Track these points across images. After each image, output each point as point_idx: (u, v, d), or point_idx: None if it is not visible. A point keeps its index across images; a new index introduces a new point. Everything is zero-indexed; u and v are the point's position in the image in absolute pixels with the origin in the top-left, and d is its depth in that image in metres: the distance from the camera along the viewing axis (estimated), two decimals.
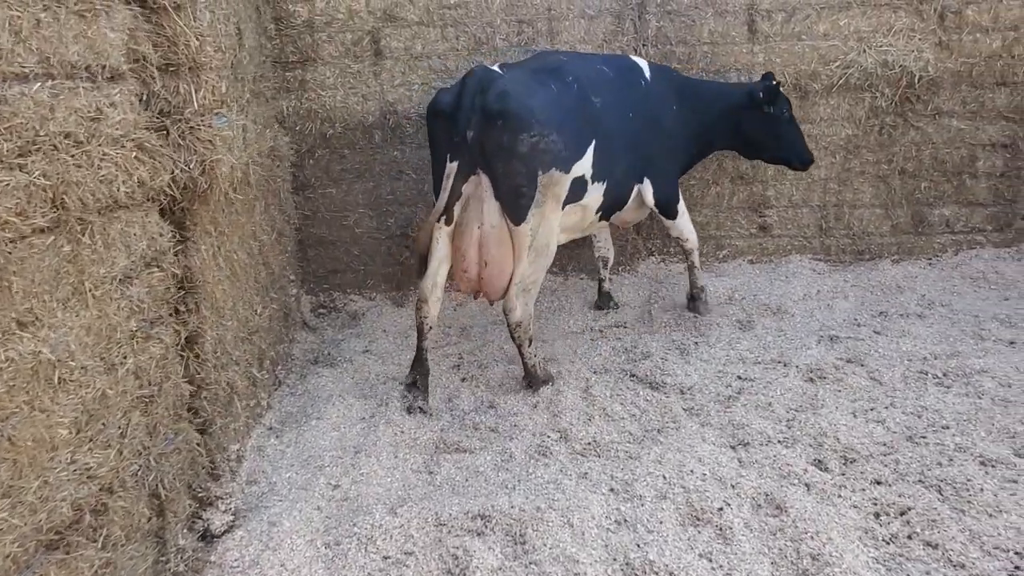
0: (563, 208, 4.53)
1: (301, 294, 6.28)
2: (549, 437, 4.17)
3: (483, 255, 4.50)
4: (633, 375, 4.91)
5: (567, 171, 4.37)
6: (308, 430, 4.23)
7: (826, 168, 6.59)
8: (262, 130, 4.46)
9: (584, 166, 4.55)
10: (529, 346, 4.70)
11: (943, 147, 6.48)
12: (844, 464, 3.78)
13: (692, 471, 3.73)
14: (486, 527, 3.37)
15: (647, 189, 5.31)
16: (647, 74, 5.30)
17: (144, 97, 2.95)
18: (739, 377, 4.78)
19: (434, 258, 4.49)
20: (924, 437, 3.96)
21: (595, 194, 4.77)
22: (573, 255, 6.78)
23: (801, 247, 6.80)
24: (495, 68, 4.43)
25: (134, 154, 2.69)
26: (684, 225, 5.64)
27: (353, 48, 6.05)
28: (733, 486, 3.59)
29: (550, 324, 5.89)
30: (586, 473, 3.79)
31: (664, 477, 3.70)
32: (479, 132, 4.15)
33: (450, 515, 3.40)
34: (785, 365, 4.91)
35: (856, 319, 5.66)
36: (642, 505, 3.51)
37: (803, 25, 6.30)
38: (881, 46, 6.26)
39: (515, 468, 3.87)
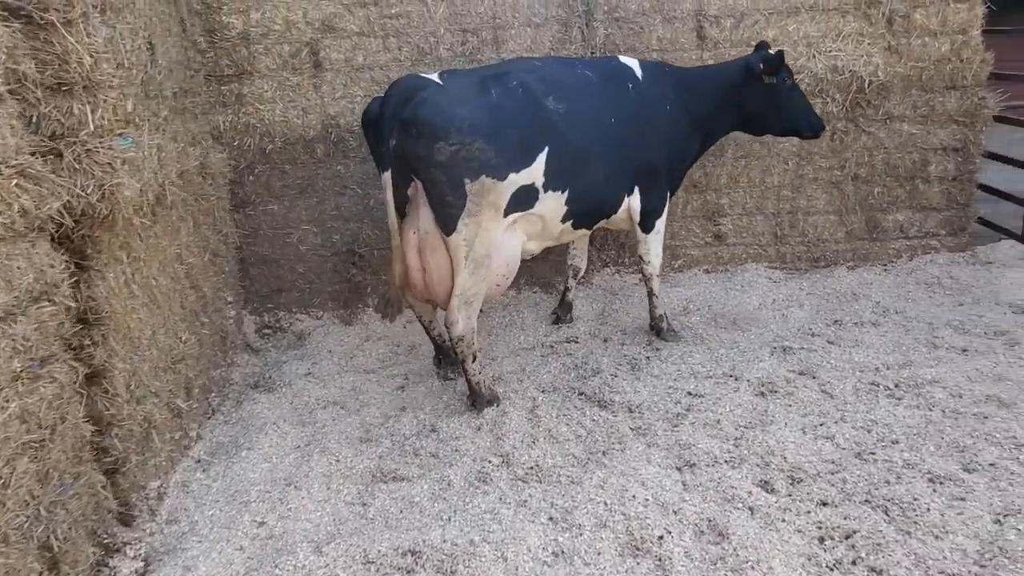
0: (506, 217, 4.39)
1: (243, 315, 6.08)
2: (490, 462, 4.01)
3: (423, 261, 4.44)
4: (582, 393, 4.77)
5: (501, 179, 4.23)
6: (238, 462, 4.03)
7: (779, 175, 6.52)
8: (184, 148, 4.26)
9: (532, 174, 4.39)
10: (473, 362, 4.55)
11: (895, 152, 6.44)
12: (790, 484, 3.66)
13: (635, 496, 3.59)
14: (416, 563, 3.20)
15: (635, 199, 5.12)
16: (638, 75, 5.05)
17: (32, 119, 2.75)
18: (689, 393, 4.66)
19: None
20: (873, 453, 3.86)
21: (552, 203, 4.59)
22: (526, 268, 6.63)
23: (756, 255, 6.72)
24: (429, 76, 4.29)
25: (15, 182, 2.49)
26: (655, 245, 5.35)
27: (291, 60, 5.87)
28: (675, 512, 3.46)
29: (500, 340, 5.74)
30: (526, 501, 3.64)
31: (605, 504, 3.56)
32: (399, 141, 4.11)
33: (379, 552, 3.23)
34: (736, 379, 4.80)
35: (810, 328, 5.57)
36: (581, 535, 3.36)
37: (752, 31, 6.23)
38: (830, 51, 6.21)
39: (452, 497, 3.70)
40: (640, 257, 5.44)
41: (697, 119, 5.25)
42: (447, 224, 4.20)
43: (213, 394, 4.70)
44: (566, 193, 4.61)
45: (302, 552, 3.22)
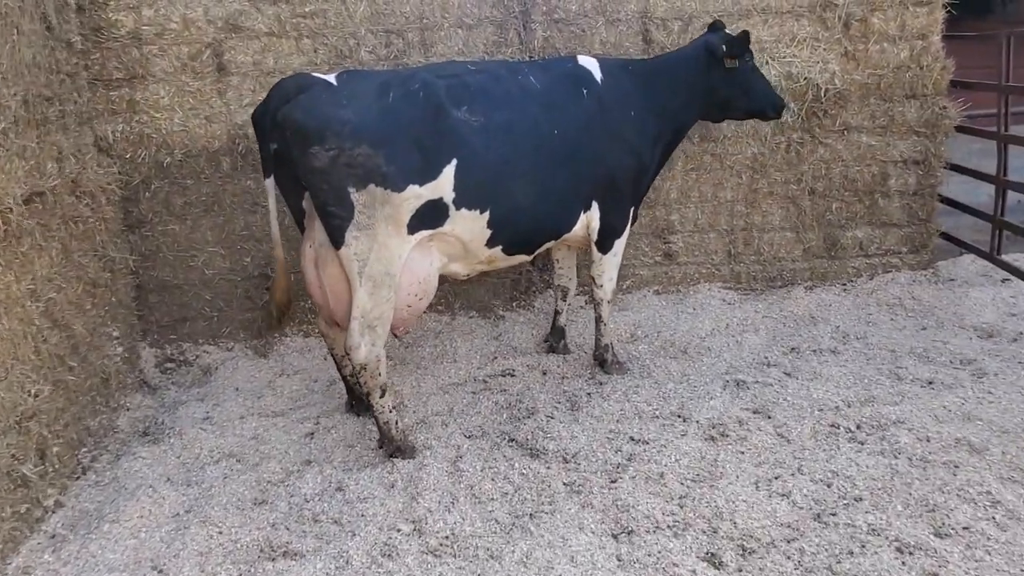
0: (411, 234, 3.87)
1: (141, 348, 5.42)
2: (399, 531, 3.45)
3: (320, 276, 3.99)
4: (512, 440, 4.24)
5: (397, 190, 3.71)
6: (97, 539, 3.40)
7: (732, 189, 6.07)
8: (37, 165, 3.64)
9: (438, 188, 3.87)
10: (381, 397, 4.01)
11: (853, 164, 6.04)
12: (741, 556, 3.17)
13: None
14: None
15: (594, 216, 4.59)
16: (597, 77, 4.50)
17: None
18: (632, 439, 4.15)
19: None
20: (834, 514, 3.39)
21: (468, 224, 4.06)
22: (460, 291, 6.09)
23: (710, 275, 6.27)
24: (322, 76, 3.74)
25: None
26: (610, 267, 4.84)
27: (191, 63, 5.24)
28: None
29: (429, 375, 5.18)
30: None
31: None
32: (279, 145, 3.68)
33: None
34: (685, 420, 4.31)
35: (766, 357, 5.12)
36: None
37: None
38: (785, 57, 5.78)
39: None
40: (592, 279, 4.92)
41: (665, 116, 4.74)
42: (334, 237, 3.76)
43: (85, 449, 4.07)
44: (487, 214, 4.07)
45: None
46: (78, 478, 3.97)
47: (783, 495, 3.56)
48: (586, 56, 4.64)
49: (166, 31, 5.15)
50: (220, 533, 3.47)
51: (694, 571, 3.05)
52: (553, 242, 4.58)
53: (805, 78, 5.73)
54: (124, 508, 3.59)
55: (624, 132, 4.50)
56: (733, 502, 3.49)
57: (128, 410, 4.82)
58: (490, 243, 4.21)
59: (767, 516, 3.39)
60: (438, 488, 3.77)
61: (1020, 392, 4.38)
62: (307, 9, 5.32)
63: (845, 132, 5.95)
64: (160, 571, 3.19)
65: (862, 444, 3.98)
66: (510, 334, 5.79)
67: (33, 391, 3.46)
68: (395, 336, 5.58)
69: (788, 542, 3.23)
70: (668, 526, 3.38)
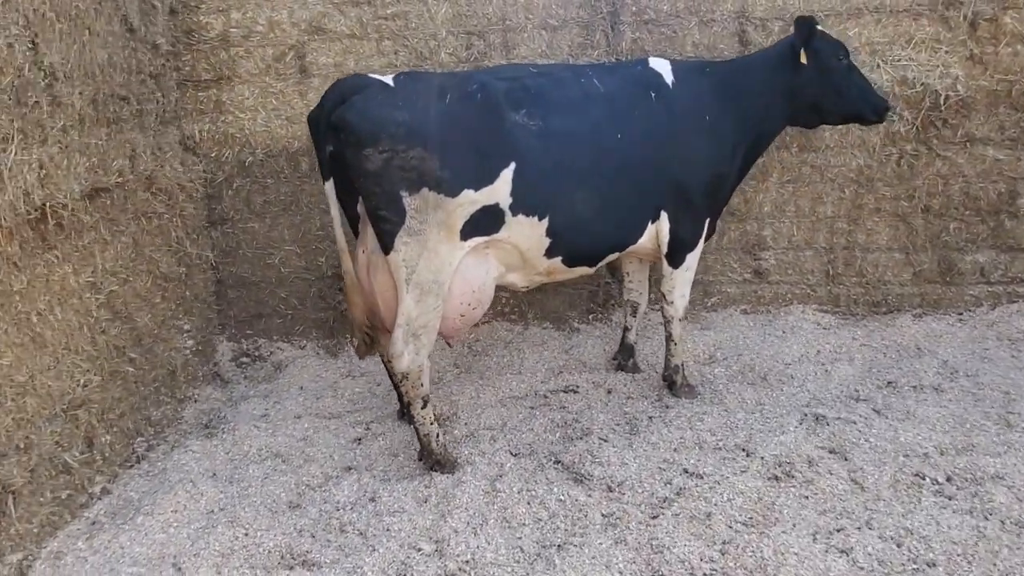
0: (465, 240, 3.73)
1: (218, 341, 5.60)
2: (421, 551, 3.32)
3: (371, 282, 3.92)
4: (559, 461, 4.02)
5: (452, 195, 3.59)
6: (130, 530, 3.47)
7: (833, 204, 5.56)
8: (101, 162, 3.76)
9: (495, 193, 3.72)
10: (423, 408, 3.90)
11: (976, 181, 5.38)
12: None
13: None
14: None
15: (663, 225, 4.32)
16: (668, 80, 4.25)
17: None
18: (685, 471, 3.83)
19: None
20: None
21: (525, 231, 3.90)
22: (535, 300, 5.92)
23: (804, 296, 5.77)
24: (378, 77, 3.67)
25: None
26: (682, 282, 4.54)
27: (275, 65, 5.35)
28: None
29: (489, 386, 5.03)
30: None
31: None
32: (335, 148, 3.60)
33: None
34: (748, 455, 3.95)
35: (856, 391, 4.64)
36: None
37: None
38: (899, 60, 5.23)
39: None
40: (662, 295, 4.63)
41: (746, 122, 4.38)
42: (383, 241, 3.67)
43: (141, 439, 4.19)
44: (545, 220, 3.89)
45: None
46: (131, 467, 4.10)
47: (843, 551, 3.15)
48: (658, 58, 4.35)
49: (252, 33, 5.28)
50: (246, 535, 3.46)
51: None
52: (618, 254, 4.33)
53: (922, 84, 5.16)
54: (160, 501, 3.66)
55: (697, 139, 4.19)
56: (782, 554, 3.13)
57: (196, 402, 4.96)
58: (549, 253, 4.02)
59: (818, 573, 3.01)
60: (470, 508, 3.61)
61: None
62: (388, 11, 5.31)
63: (968, 144, 5.31)
64: (179, 569, 3.20)
65: (949, 499, 3.49)
66: (582, 348, 5.56)
67: (83, 380, 3.58)
68: (448, 344, 5.53)
69: None
70: (704, 574, 3.06)
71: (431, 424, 3.95)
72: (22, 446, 3.15)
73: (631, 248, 4.35)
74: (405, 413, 4.55)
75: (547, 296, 5.88)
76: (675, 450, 4.07)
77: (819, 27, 4.32)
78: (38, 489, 3.26)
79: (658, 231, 4.31)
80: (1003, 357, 5.01)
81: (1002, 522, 3.28)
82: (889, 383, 4.75)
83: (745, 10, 5.33)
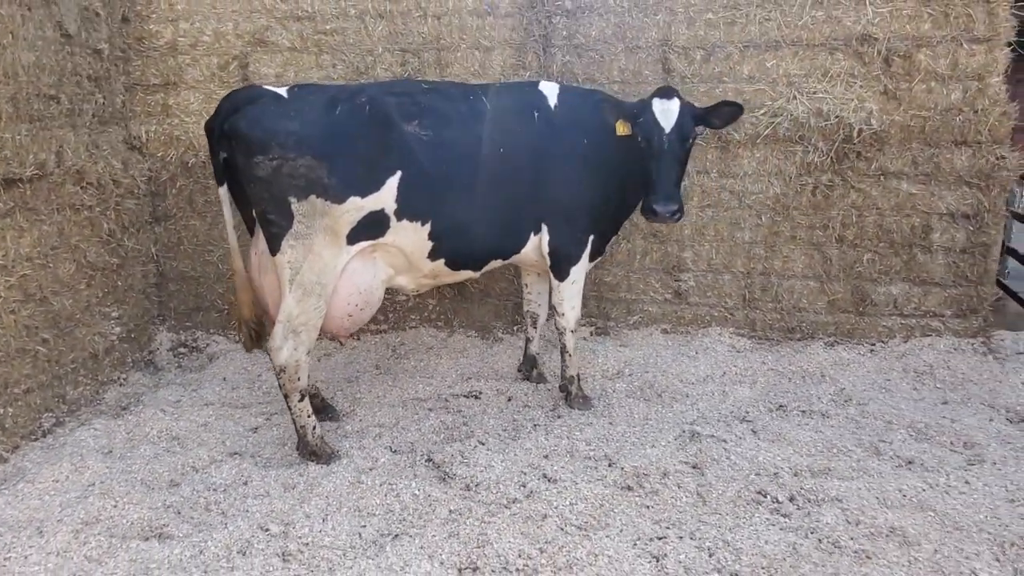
0: (351, 244, 3.98)
1: (158, 331, 5.90)
2: (268, 531, 3.53)
3: (261, 281, 4.21)
4: (430, 460, 4.22)
5: (338, 202, 3.85)
6: (8, 495, 3.74)
7: (751, 230, 5.70)
8: (19, 155, 4.07)
9: (380, 199, 3.97)
10: (300, 401, 4.13)
11: (890, 214, 5.48)
12: None
13: None
14: None
15: (544, 237, 4.52)
16: (551, 103, 4.46)
17: None
18: (544, 476, 4.01)
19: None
20: None
21: (408, 235, 4.13)
22: (462, 309, 6.13)
23: (722, 319, 5.91)
24: (273, 88, 3.93)
25: None
26: (570, 295, 4.70)
27: (219, 73, 5.67)
28: None
29: (398, 387, 5.25)
30: None
31: None
32: (228, 154, 3.87)
33: None
34: (611, 465, 4.11)
35: (746, 412, 4.77)
36: None
37: (724, 65, 5.50)
38: (815, 92, 5.38)
39: (189, 568, 3.25)
40: (553, 307, 4.83)
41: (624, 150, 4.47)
42: (271, 243, 3.93)
43: (49, 413, 4.48)
44: (428, 225, 4.13)
45: None
46: (35, 440, 4.39)
47: (655, 557, 3.30)
48: (549, 83, 4.57)
49: (199, 43, 5.61)
50: (114, 507, 3.70)
51: None
52: (502, 260, 4.54)
53: (837, 116, 5.29)
54: (45, 471, 3.93)
55: (574, 159, 4.39)
56: (595, 555, 3.28)
57: (120, 386, 5.26)
58: (432, 256, 4.25)
59: (620, 574, 3.16)
60: (330, 496, 3.82)
61: (1005, 488, 3.80)
62: (328, 27, 5.61)
63: (882, 178, 5.43)
64: (41, 533, 3.46)
65: (783, 517, 3.61)
66: (499, 357, 5.75)
67: None
68: (339, 343, 5.75)
69: None
70: (516, 569, 3.23)
71: (308, 417, 4.18)
72: None
73: (516, 257, 4.56)
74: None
75: (473, 305, 6.09)
76: (545, 457, 4.24)
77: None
78: None
79: (540, 243, 4.51)
80: (902, 388, 5.10)
81: (819, 540, 3.40)
82: (780, 406, 4.87)
83: (668, 39, 5.52)
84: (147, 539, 3.52)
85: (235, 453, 4.35)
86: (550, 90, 4.47)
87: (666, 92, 4.29)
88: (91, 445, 4.34)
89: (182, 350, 6.01)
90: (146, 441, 4.46)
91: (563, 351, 4.89)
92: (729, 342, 5.81)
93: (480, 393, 5.19)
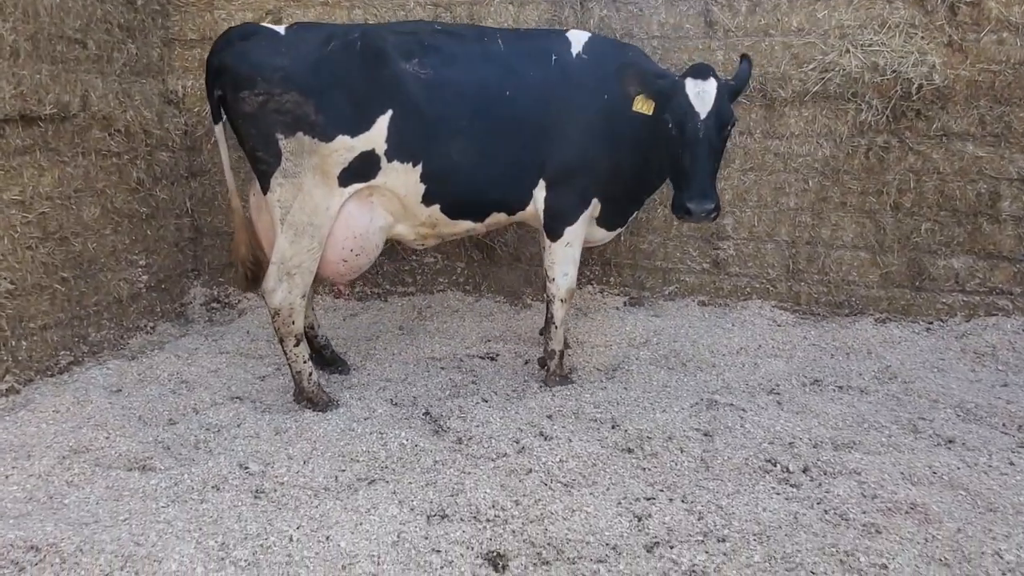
0: (344, 186, 3.87)
1: (192, 286, 5.98)
2: (246, 469, 3.47)
3: (257, 220, 4.17)
4: (428, 413, 4.08)
5: (326, 139, 3.75)
6: (8, 421, 3.82)
7: (797, 196, 5.31)
8: (36, 94, 4.14)
9: (370, 139, 3.84)
10: (296, 346, 4.06)
11: (953, 179, 4.99)
12: (531, 565, 2.77)
13: (328, 539, 2.89)
14: (36, 557, 2.76)
15: (540, 192, 4.18)
16: (574, 50, 4.13)
17: None
18: (541, 434, 3.80)
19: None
20: (672, 547, 2.84)
21: (400, 177, 3.95)
22: (492, 274, 5.97)
23: (764, 291, 5.53)
24: (269, 26, 3.88)
25: None
26: (562, 258, 4.30)
27: None
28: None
29: (415, 345, 5.15)
30: (217, 519, 3.04)
31: (291, 539, 2.89)
32: (221, 90, 3.82)
33: (7, 540, 2.82)
34: (614, 427, 3.87)
35: (775, 385, 4.43)
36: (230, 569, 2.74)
37: (771, 17, 5.13)
38: (870, 45, 4.95)
39: (160, 500, 3.20)
40: (545, 272, 4.43)
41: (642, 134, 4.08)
42: (261, 182, 3.90)
43: (65, 351, 4.57)
44: (419, 167, 3.95)
45: None
46: (51, 376, 4.48)
47: (638, 517, 3.05)
48: (580, 31, 4.28)
49: None
50: (107, 438, 3.72)
51: (469, 565, 2.72)
52: (505, 215, 4.30)
53: (894, 71, 4.84)
54: (47, 402, 3.99)
55: (589, 112, 4.06)
56: (572, 510, 3.07)
57: (147, 333, 5.34)
58: (426, 200, 4.06)
59: (594, 532, 2.93)
60: (318, 441, 3.72)
61: None
62: None
63: (944, 139, 4.94)
64: (29, 456, 3.50)
65: (792, 487, 3.30)
66: (524, 322, 5.57)
67: None
68: (337, 294, 5.63)
69: (596, 562, 2.77)
70: (487, 519, 3.05)
71: (303, 362, 4.10)
72: None
73: (522, 214, 4.30)
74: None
75: (502, 269, 5.92)
76: (548, 416, 4.03)
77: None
78: None
79: (536, 196, 4.20)
80: (958, 369, 4.63)
81: (825, 511, 3.09)
82: (815, 381, 4.51)
83: None
84: (129, 470, 3.51)
85: (237, 397, 4.33)
86: (577, 37, 4.17)
87: (701, 71, 3.79)
88: (100, 382, 4.39)
89: (214, 305, 6.08)
90: (155, 382, 4.49)
91: (550, 322, 4.46)
92: (770, 315, 5.43)
93: (497, 355, 5.02)
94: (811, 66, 5.04)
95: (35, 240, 4.29)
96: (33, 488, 3.28)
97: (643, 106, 3.91)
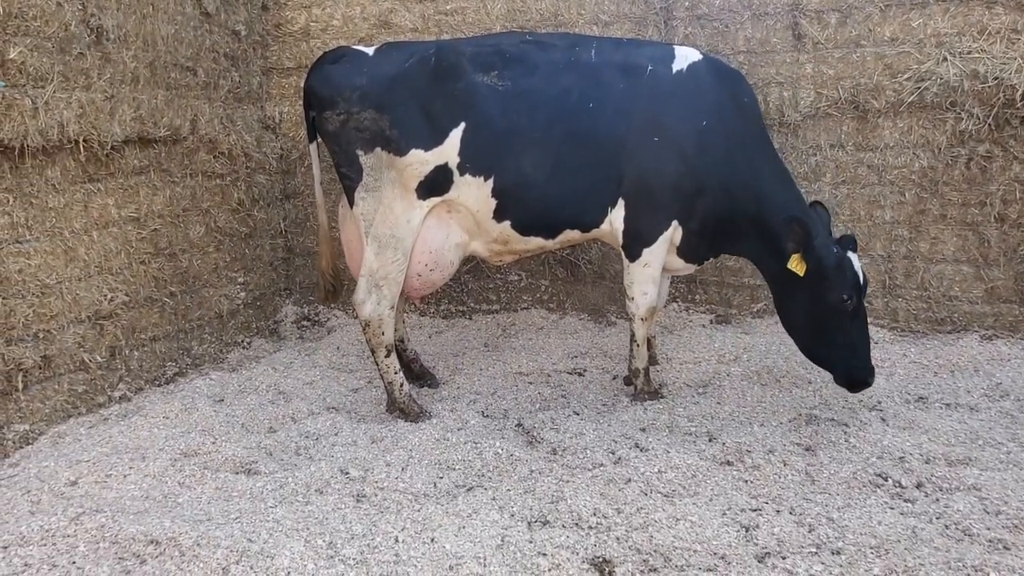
0: (423, 200, 3.94)
1: (284, 304, 6.18)
2: (347, 474, 3.54)
3: (343, 232, 4.37)
4: (520, 425, 4.09)
5: (400, 154, 3.85)
6: (123, 426, 3.99)
7: (893, 209, 5.16)
8: (153, 117, 4.40)
9: (444, 153, 3.90)
10: (387, 357, 4.13)
11: None
12: (638, 572, 2.72)
13: (433, 540, 2.91)
14: (156, 551, 2.87)
15: (618, 213, 4.12)
16: (675, 66, 4.07)
17: None
18: (637, 445, 3.76)
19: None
20: (784, 558, 2.76)
21: (472, 191, 3.97)
22: (576, 292, 5.98)
23: None
24: (359, 48, 4.05)
25: None
26: (641, 279, 4.22)
27: None
28: None
29: (502, 360, 5.17)
30: (324, 519, 3.10)
31: (397, 539, 2.93)
32: (313, 111, 4.04)
33: (130, 534, 2.95)
34: (711, 440, 3.81)
35: (877, 402, 4.27)
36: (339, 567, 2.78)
37: (863, 28, 5.05)
38: (970, 53, 4.81)
39: (267, 499, 3.29)
40: (625, 290, 4.35)
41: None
42: (348, 197, 4.06)
43: (172, 363, 4.76)
44: (491, 182, 3.96)
45: (59, 516, 3.04)
46: (159, 385, 4.68)
47: (744, 527, 2.98)
48: (691, 49, 4.23)
49: (329, 27, 5.88)
50: (213, 443, 3.86)
51: (576, 569, 2.70)
52: (579, 232, 4.22)
53: (995, 78, 4.69)
54: (158, 409, 4.17)
55: (679, 134, 3.99)
56: (676, 519, 3.01)
57: (244, 348, 5.54)
58: (498, 216, 4.06)
59: (701, 541, 2.87)
60: (414, 450, 3.77)
61: None
62: (448, 7, 5.71)
63: None
64: (144, 458, 3.65)
65: (907, 502, 3.17)
66: (610, 340, 5.54)
67: (111, 297, 4.18)
68: (414, 304, 5.66)
69: (706, 571, 2.70)
70: (589, 526, 3.02)
71: (395, 373, 4.17)
72: (39, 336, 3.77)
73: (596, 232, 4.22)
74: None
75: (587, 287, 5.92)
76: (642, 429, 3.99)
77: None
78: (52, 376, 3.87)
79: (612, 216, 4.12)
80: None
81: (946, 526, 2.95)
82: (920, 398, 4.33)
83: (799, 2, 5.15)
84: (236, 473, 3.62)
85: (332, 408, 4.43)
86: (684, 54, 4.12)
87: (854, 243, 3.93)
88: (204, 392, 4.57)
89: (305, 323, 6.26)
90: (254, 393, 4.63)
91: (632, 340, 4.38)
92: None
93: (584, 371, 5.00)
94: (906, 76, 4.93)
95: (148, 255, 4.52)
96: (149, 487, 3.41)
97: (797, 265, 3.84)
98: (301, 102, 4.19)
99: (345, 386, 4.80)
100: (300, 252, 6.27)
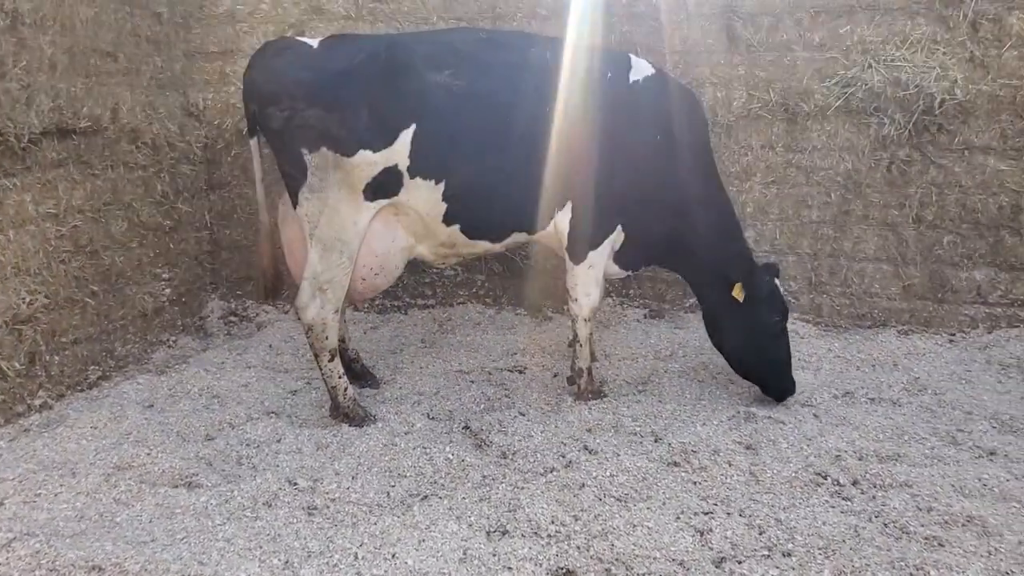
0: (369, 201, 3.81)
1: (209, 299, 5.93)
2: (295, 485, 3.43)
3: (283, 232, 4.18)
4: (467, 427, 4.06)
5: (348, 154, 3.68)
6: (47, 438, 3.75)
7: (819, 209, 5.38)
8: (72, 106, 4.11)
9: (394, 155, 3.76)
10: (330, 361, 4.00)
11: (975, 192, 5.08)
12: None
13: (394, 556, 2.86)
14: None
15: (564, 216, 4.13)
16: (631, 76, 4.11)
17: None
18: (585, 447, 3.80)
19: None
20: (740, 563, 2.85)
21: (422, 194, 3.87)
22: (511, 286, 5.97)
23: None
24: (304, 40, 3.87)
25: None
26: (585, 281, 4.24)
27: None
28: None
29: (441, 359, 5.12)
30: (276, 536, 3.01)
31: (356, 555, 2.87)
32: (254, 105, 3.82)
33: (69, 560, 2.78)
34: (657, 440, 3.89)
35: (809, 398, 4.45)
36: None
37: (794, 33, 5.21)
38: (893, 61, 5.03)
39: (213, 517, 3.16)
40: (567, 292, 4.37)
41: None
42: (292, 197, 3.87)
43: (95, 366, 4.50)
44: (442, 185, 3.87)
45: None
46: (81, 390, 4.42)
47: (699, 531, 3.06)
48: (645, 61, 4.24)
49: (257, 11, 5.61)
50: (148, 455, 3.67)
51: None
52: (525, 235, 4.22)
53: (916, 86, 4.93)
54: (84, 418, 3.93)
55: (635, 143, 4.05)
56: (633, 525, 3.07)
57: (169, 347, 5.28)
58: (447, 220, 3.98)
59: (660, 548, 2.93)
60: (362, 457, 3.70)
61: None
62: None
63: (966, 152, 5.04)
64: (74, 474, 3.44)
65: (846, 500, 3.32)
66: (548, 335, 5.57)
67: (29, 300, 3.91)
68: (354, 308, 5.60)
69: None
70: (547, 535, 3.04)
71: (339, 378, 4.06)
72: None
73: (542, 234, 4.22)
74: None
75: (523, 283, 5.93)
76: (588, 430, 4.04)
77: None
78: None
79: (558, 218, 4.13)
80: (985, 381, 4.69)
81: (885, 524, 3.11)
82: (847, 393, 4.54)
83: (733, 5, 5.26)
84: (176, 486, 3.47)
85: (272, 412, 4.29)
86: (639, 66, 4.15)
87: (778, 271, 4.36)
88: (133, 397, 4.34)
89: (232, 318, 6.02)
90: (187, 397, 4.44)
91: (575, 341, 4.42)
92: (792, 328, 5.44)
93: (525, 368, 5.01)
94: (833, 81, 5.12)
95: (68, 254, 4.24)
96: (83, 506, 3.23)
97: (738, 293, 4.17)
98: (240, 94, 3.95)
99: (282, 388, 4.65)
100: (226, 245, 6.01)
